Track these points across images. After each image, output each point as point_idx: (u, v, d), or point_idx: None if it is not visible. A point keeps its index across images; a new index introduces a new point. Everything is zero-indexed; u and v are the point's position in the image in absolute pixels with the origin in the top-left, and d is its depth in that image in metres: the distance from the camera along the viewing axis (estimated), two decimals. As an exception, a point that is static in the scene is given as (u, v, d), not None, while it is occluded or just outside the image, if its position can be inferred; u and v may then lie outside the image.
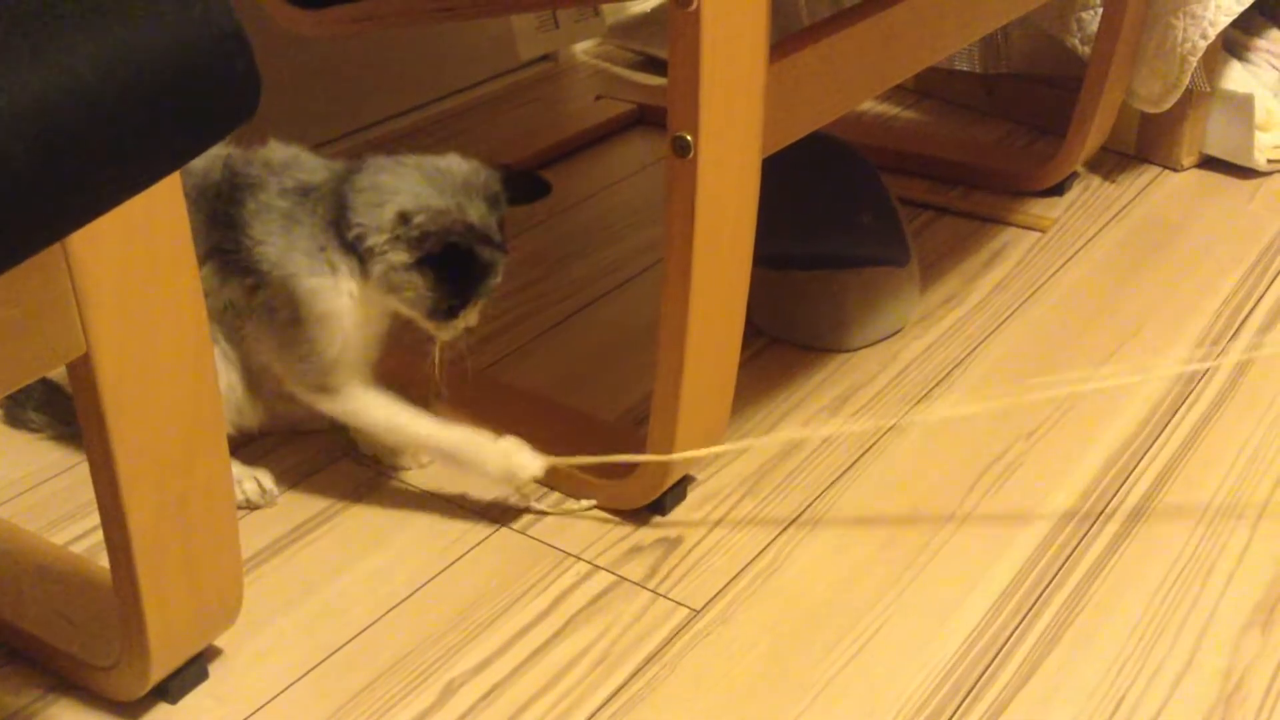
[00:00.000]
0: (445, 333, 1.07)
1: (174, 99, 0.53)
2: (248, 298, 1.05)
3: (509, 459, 1.09)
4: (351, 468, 1.20)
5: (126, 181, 0.54)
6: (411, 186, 1.02)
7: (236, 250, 1.03)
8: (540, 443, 1.18)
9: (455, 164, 1.05)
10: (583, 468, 1.13)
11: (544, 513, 1.13)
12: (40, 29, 0.51)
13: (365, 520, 1.13)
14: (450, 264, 1.02)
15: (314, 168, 1.06)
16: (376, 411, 1.09)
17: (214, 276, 1.04)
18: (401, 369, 1.30)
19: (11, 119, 0.48)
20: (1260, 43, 1.75)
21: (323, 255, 1.02)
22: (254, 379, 1.12)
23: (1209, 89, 1.66)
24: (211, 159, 1.06)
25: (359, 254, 1.02)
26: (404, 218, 1.00)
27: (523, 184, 1.09)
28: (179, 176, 0.74)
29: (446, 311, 1.04)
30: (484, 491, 1.16)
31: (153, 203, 0.75)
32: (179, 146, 0.55)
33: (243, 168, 1.05)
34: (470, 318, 1.07)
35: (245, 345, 1.09)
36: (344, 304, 1.04)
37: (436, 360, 1.09)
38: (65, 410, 1.23)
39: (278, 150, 1.07)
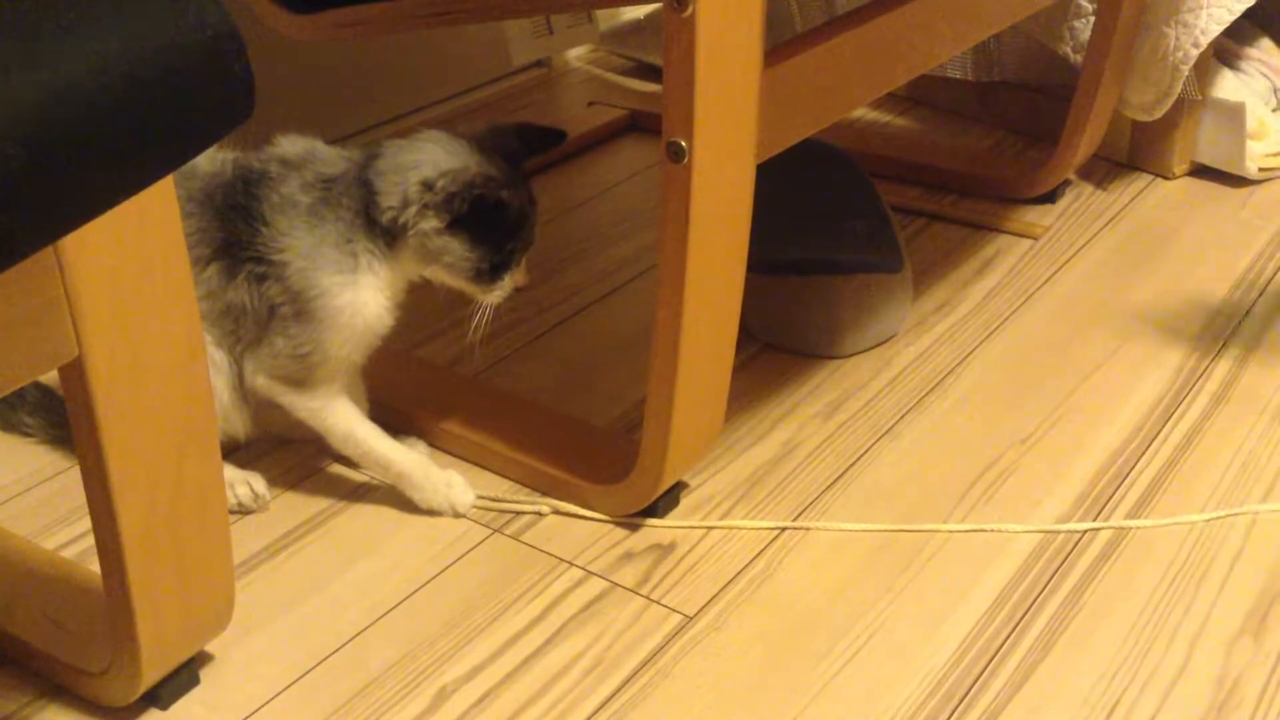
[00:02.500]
0: (494, 295, 1.08)
1: (168, 101, 0.53)
2: (252, 289, 1.04)
3: (450, 490, 1.13)
4: (344, 472, 1.19)
5: (120, 184, 0.54)
6: (430, 157, 1.03)
7: (250, 243, 1.03)
8: (534, 448, 1.18)
9: (469, 132, 1.08)
10: (577, 473, 1.13)
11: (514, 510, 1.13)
12: (34, 32, 0.51)
13: (358, 525, 1.13)
14: (482, 222, 1.03)
15: (332, 159, 1.06)
16: (341, 419, 1.10)
17: (219, 278, 1.04)
18: (391, 369, 1.30)
19: (5, 122, 0.48)
20: (1252, 51, 1.76)
21: (350, 247, 1.03)
22: (243, 386, 1.11)
23: (1201, 97, 1.67)
24: (220, 162, 1.06)
25: (394, 235, 1.03)
26: (427, 185, 1.02)
27: (537, 137, 1.11)
28: (172, 180, 0.74)
29: (491, 272, 1.06)
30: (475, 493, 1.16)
31: (146, 206, 0.75)
32: (173, 149, 0.55)
33: (256, 163, 1.05)
34: (518, 276, 1.08)
35: (238, 350, 1.08)
36: (361, 297, 1.04)
37: (481, 324, 1.08)
38: (59, 414, 1.22)
39: (291, 144, 1.07)
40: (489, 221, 1.04)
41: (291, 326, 1.04)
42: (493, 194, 1.02)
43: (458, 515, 1.14)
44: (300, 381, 1.08)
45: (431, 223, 1.02)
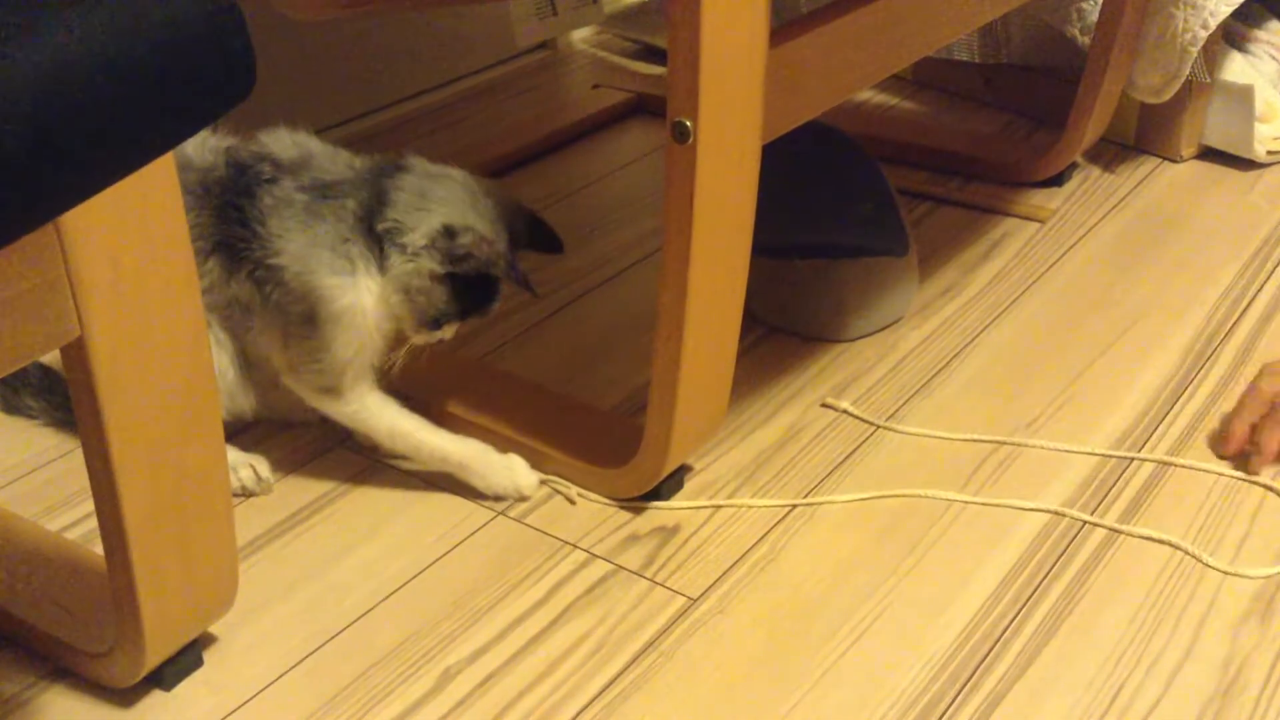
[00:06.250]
0: (422, 338, 1.08)
1: (167, 77, 0.52)
2: (255, 291, 1.04)
3: (513, 475, 1.12)
4: (348, 455, 1.19)
5: (119, 161, 0.54)
6: (459, 202, 1.03)
7: (247, 243, 1.02)
8: (538, 431, 1.18)
9: (494, 190, 1.07)
10: (581, 456, 1.13)
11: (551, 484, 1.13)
12: (31, 6, 0.50)
13: (361, 508, 1.13)
14: (469, 284, 1.04)
15: (332, 164, 1.05)
16: (383, 418, 1.10)
17: (219, 270, 1.04)
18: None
19: (2, 97, 0.48)
20: (1260, 34, 1.75)
21: (345, 248, 1.02)
22: (249, 366, 1.11)
23: (1209, 80, 1.66)
24: (214, 152, 1.05)
25: (382, 247, 1.02)
26: (449, 231, 1.01)
27: (540, 234, 1.11)
28: (173, 158, 0.74)
29: (435, 322, 1.06)
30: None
31: (147, 184, 0.74)
32: (172, 126, 0.55)
33: (250, 160, 1.04)
34: (449, 331, 1.08)
35: (244, 334, 1.08)
36: (364, 301, 1.03)
37: (402, 359, 1.09)
38: (63, 396, 1.22)
39: (280, 142, 1.06)
40: (475, 287, 1.04)
41: (302, 329, 1.03)
42: (499, 272, 1.03)
43: (524, 499, 1.13)
44: (330, 388, 1.07)
45: (433, 265, 1.02)
